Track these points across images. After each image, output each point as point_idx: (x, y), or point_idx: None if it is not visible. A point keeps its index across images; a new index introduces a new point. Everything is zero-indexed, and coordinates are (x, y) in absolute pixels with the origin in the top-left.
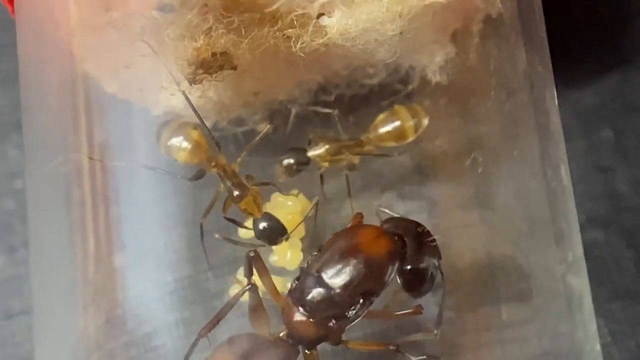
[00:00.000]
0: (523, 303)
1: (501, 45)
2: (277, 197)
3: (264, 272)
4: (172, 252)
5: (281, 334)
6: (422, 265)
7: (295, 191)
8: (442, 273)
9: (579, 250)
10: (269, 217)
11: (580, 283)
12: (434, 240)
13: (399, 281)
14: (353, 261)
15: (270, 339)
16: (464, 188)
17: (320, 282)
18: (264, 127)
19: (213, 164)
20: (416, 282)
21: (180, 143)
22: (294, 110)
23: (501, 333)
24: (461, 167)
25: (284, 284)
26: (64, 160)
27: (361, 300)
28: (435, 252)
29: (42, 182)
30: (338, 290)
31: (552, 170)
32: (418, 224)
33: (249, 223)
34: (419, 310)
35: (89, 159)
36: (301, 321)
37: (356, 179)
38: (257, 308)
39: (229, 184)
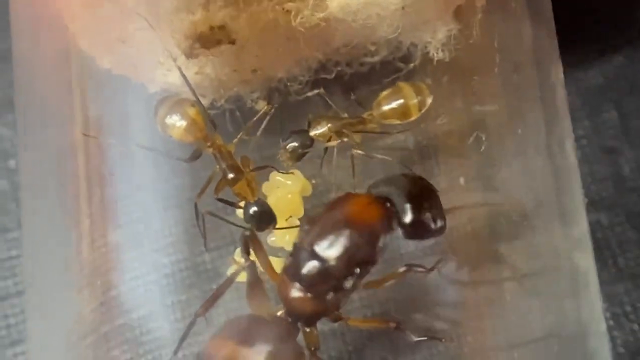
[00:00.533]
0: (527, 282)
1: (506, 19)
2: (275, 176)
3: (261, 251)
4: (168, 234)
5: (279, 313)
6: (422, 210)
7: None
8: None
9: (585, 226)
10: (261, 203)
11: (586, 261)
12: (424, 180)
13: (402, 234)
14: (345, 231)
15: (269, 319)
16: (467, 167)
17: (314, 256)
18: (263, 106)
19: (209, 143)
20: (418, 229)
21: (177, 120)
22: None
23: (505, 313)
24: (464, 146)
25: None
26: (58, 136)
27: (357, 270)
28: (430, 192)
29: (35, 158)
30: (333, 262)
31: (557, 145)
32: (405, 175)
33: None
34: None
35: (84, 136)
36: (298, 297)
37: (356, 160)
38: (255, 286)
39: (224, 165)
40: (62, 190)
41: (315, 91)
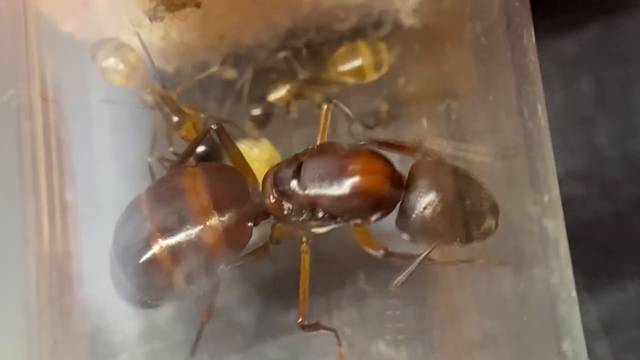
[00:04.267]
0: (497, 246)
1: None
2: (241, 146)
3: (231, 143)
4: None
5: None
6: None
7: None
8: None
9: (555, 192)
10: (209, 142)
11: (556, 227)
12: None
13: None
14: (335, 177)
15: (249, 187)
16: (438, 134)
17: (297, 174)
18: (231, 74)
19: (149, 90)
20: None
21: (117, 65)
22: None
23: (474, 276)
24: (435, 113)
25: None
26: (15, 94)
27: (320, 214)
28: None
29: None
30: (302, 191)
31: (528, 109)
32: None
33: None
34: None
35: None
36: (268, 194)
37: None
38: (231, 149)
39: (166, 110)
40: (19, 149)
41: (283, 53)
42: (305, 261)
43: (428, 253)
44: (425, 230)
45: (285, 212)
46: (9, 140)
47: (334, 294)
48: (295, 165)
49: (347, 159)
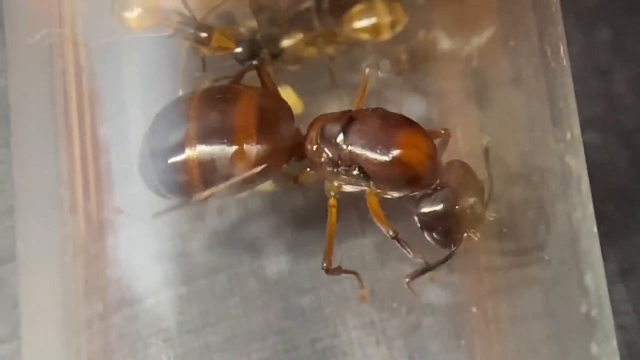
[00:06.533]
0: (520, 183)
1: None
2: None
3: (272, 84)
4: None
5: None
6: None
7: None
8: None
9: (577, 131)
10: (242, 41)
11: (578, 164)
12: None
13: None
14: (381, 141)
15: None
16: (460, 81)
17: (345, 130)
18: (253, 24)
19: (168, 22)
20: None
21: (132, 9)
22: None
23: (498, 212)
24: (456, 62)
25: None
26: (47, 34)
27: (355, 172)
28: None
29: (24, 57)
30: (346, 146)
31: (551, 49)
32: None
33: None
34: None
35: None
36: (310, 137)
37: (344, 73)
38: (272, 88)
39: (191, 31)
40: (52, 97)
41: (307, 3)
42: (332, 215)
43: (445, 260)
44: (431, 228)
45: (323, 160)
46: (42, 79)
47: (356, 240)
48: (345, 120)
49: (397, 127)
